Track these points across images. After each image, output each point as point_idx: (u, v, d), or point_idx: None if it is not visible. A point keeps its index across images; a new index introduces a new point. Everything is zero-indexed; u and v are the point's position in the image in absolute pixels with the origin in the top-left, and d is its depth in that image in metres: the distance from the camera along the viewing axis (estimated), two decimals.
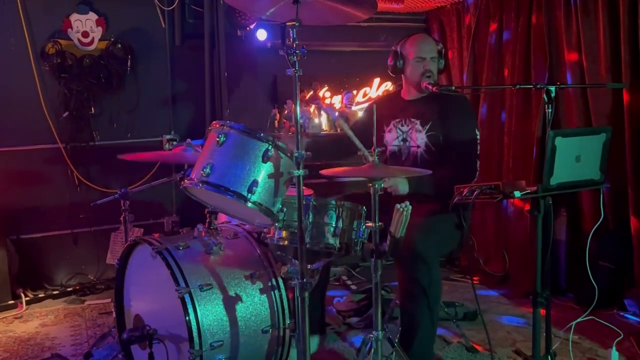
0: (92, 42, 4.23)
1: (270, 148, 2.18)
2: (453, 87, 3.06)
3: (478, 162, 2.97)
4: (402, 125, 3.09)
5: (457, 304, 3.55)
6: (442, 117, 2.98)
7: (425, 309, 2.64)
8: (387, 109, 3.14)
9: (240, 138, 2.22)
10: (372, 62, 4.75)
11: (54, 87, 4.17)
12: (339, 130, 4.66)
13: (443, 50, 3.10)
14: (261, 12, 2.28)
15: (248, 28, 4.49)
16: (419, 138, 3.01)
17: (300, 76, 2.07)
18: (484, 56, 4.40)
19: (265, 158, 2.17)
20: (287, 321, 2.52)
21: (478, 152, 2.98)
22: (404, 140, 3.07)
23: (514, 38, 4.14)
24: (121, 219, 3.18)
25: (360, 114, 4.78)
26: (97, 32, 4.23)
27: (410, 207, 2.22)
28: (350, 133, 2.67)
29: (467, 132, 2.95)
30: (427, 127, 3.00)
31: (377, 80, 4.85)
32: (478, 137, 2.98)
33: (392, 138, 3.12)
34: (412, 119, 3.06)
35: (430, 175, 2.48)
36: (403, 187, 2.78)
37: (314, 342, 3.12)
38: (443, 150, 2.97)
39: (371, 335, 2.40)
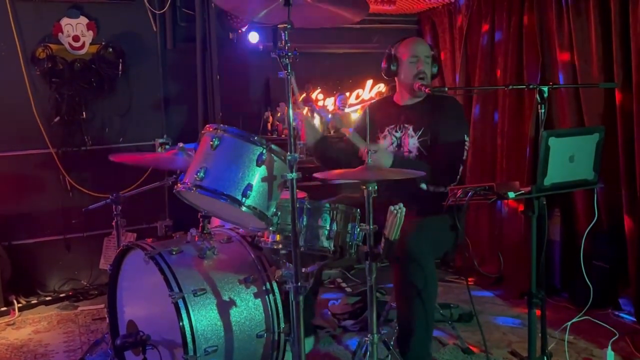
0: (83, 46, 4.20)
1: (264, 151, 2.18)
2: (446, 89, 3.07)
3: (461, 167, 2.94)
4: (395, 132, 3.08)
5: (452, 305, 3.54)
6: (434, 122, 2.97)
7: (420, 310, 2.63)
8: (382, 115, 3.13)
9: (234, 142, 2.22)
10: (365, 63, 4.76)
11: (45, 92, 4.14)
12: (332, 132, 4.66)
13: (437, 55, 3.11)
14: (252, 15, 2.27)
15: (240, 31, 4.49)
16: (411, 143, 3.00)
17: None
18: (477, 57, 4.41)
19: (259, 162, 2.17)
20: (282, 325, 2.50)
21: (464, 157, 2.96)
22: (398, 146, 3.06)
23: (506, 38, 4.15)
24: (113, 224, 3.16)
25: (353, 115, 4.78)
26: (88, 36, 4.20)
27: (404, 209, 2.21)
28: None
29: (455, 136, 2.93)
30: (419, 133, 2.99)
31: (369, 82, 4.85)
32: (467, 141, 2.95)
33: (387, 144, 3.10)
34: (406, 125, 3.05)
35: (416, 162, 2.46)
36: (387, 161, 2.72)
37: (308, 343, 3.10)
38: (429, 153, 2.95)
39: (366, 339, 2.39)
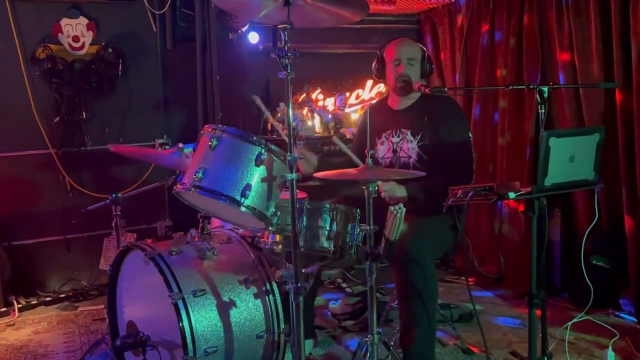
0: (82, 46, 4.20)
1: (263, 151, 2.17)
2: (446, 89, 3.05)
3: (474, 164, 2.97)
4: (392, 137, 3.06)
5: (452, 305, 3.54)
6: (433, 124, 2.95)
7: (421, 311, 2.63)
8: (378, 120, 3.10)
9: (233, 142, 2.21)
10: (365, 64, 4.68)
11: (45, 92, 4.14)
12: (332, 132, 4.65)
13: (427, 54, 3.06)
14: (252, 15, 2.27)
15: (240, 31, 4.48)
16: (410, 148, 2.98)
17: (292, 79, 2.05)
18: (477, 57, 4.40)
19: (258, 162, 2.16)
20: (282, 326, 2.50)
21: (473, 154, 2.97)
22: (395, 151, 3.04)
23: (506, 39, 4.14)
24: (113, 224, 3.16)
25: (353, 116, 4.78)
26: (87, 37, 4.20)
27: (404, 209, 2.21)
28: (343, 147, 2.70)
29: (460, 136, 2.93)
30: (418, 138, 2.97)
31: (369, 82, 4.84)
32: (471, 138, 2.98)
33: (384, 150, 3.09)
34: (403, 130, 3.03)
35: (428, 182, 2.47)
36: (401, 192, 2.75)
37: (307, 346, 3.09)
38: (436, 158, 2.93)
39: (367, 339, 2.38)
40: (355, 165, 2.60)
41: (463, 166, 2.92)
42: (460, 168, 2.90)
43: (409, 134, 3.00)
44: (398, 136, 3.03)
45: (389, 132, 3.08)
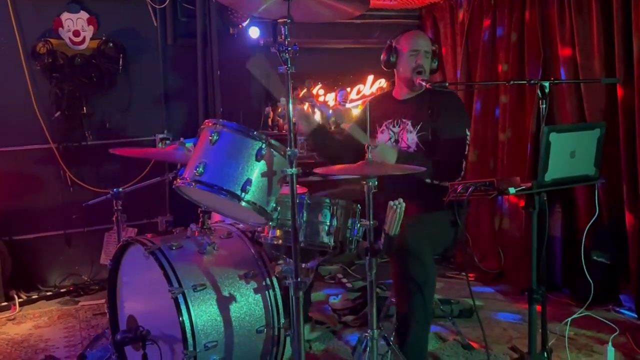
0: (83, 41, 4.20)
1: (263, 146, 2.16)
2: (446, 84, 3.05)
3: (464, 163, 2.95)
4: (393, 126, 3.07)
5: (452, 301, 3.53)
6: (433, 116, 2.96)
7: (419, 304, 2.63)
8: (380, 110, 3.12)
9: (233, 136, 2.20)
10: (366, 59, 4.73)
11: (46, 87, 4.14)
12: (333, 127, 4.65)
13: (437, 50, 3.09)
14: (252, 9, 2.27)
15: (240, 26, 4.48)
16: (410, 138, 2.99)
17: (293, 74, 2.05)
18: (478, 52, 4.39)
19: (258, 156, 2.16)
20: (282, 320, 2.50)
21: (466, 153, 2.95)
22: (396, 141, 3.05)
23: (507, 34, 4.13)
24: (114, 219, 3.16)
25: (354, 111, 4.78)
26: (88, 31, 4.20)
27: (403, 205, 2.21)
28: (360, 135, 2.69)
29: (456, 132, 2.93)
30: (418, 128, 2.98)
31: (370, 77, 4.84)
32: (468, 137, 2.95)
33: (384, 139, 3.09)
34: (404, 120, 3.04)
35: (421, 154, 2.46)
36: (391, 156, 2.71)
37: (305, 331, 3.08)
38: (431, 150, 2.94)
39: (367, 334, 2.38)
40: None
41: (453, 163, 2.91)
42: (450, 164, 2.89)
43: (409, 124, 3.01)
44: (398, 126, 3.05)
45: (389, 121, 3.09)
